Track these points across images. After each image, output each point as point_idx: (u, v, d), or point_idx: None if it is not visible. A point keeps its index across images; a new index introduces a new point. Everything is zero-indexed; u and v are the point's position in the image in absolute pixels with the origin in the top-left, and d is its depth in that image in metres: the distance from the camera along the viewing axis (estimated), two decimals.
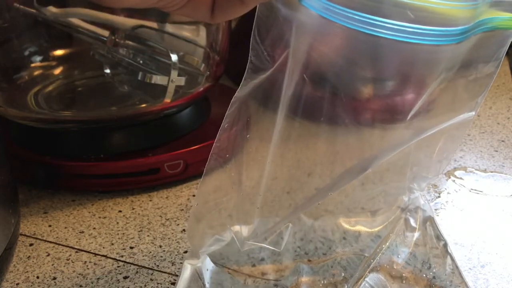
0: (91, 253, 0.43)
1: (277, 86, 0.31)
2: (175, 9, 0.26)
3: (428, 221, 0.38)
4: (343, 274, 0.34)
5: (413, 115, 0.31)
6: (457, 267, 0.36)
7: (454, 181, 0.51)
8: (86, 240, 0.44)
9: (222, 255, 0.34)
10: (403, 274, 0.35)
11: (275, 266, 0.35)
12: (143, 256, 0.42)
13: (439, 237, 0.37)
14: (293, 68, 0.30)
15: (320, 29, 0.28)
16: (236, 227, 0.34)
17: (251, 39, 0.30)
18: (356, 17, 0.27)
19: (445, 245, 0.37)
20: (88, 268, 0.41)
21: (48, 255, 0.43)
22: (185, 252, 0.43)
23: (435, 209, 0.47)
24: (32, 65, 0.56)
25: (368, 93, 0.31)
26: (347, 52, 0.30)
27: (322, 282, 0.33)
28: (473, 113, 0.33)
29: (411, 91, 0.31)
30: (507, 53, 0.74)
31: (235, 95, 0.31)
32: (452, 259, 0.36)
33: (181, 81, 0.51)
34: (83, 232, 0.46)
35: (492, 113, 0.64)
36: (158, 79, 0.50)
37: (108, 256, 0.43)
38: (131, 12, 0.53)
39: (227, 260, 0.34)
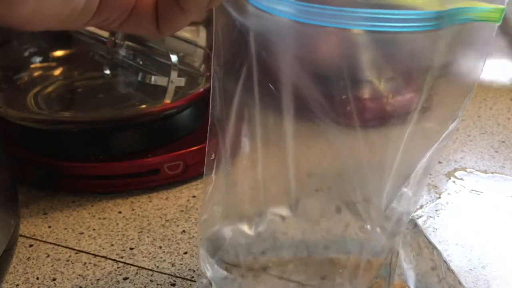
0: (91, 254, 0.43)
1: (250, 93, 0.30)
2: (114, 26, 0.24)
3: (420, 237, 0.37)
4: None
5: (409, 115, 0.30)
6: (454, 275, 0.35)
7: (454, 182, 0.51)
8: (86, 241, 0.44)
9: (221, 248, 0.34)
10: None
11: (277, 259, 0.35)
12: (143, 257, 0.42)
13: (433, 249, 0.37)
14: (259, 75, 0.29)
15: (278, 30, 0.27)
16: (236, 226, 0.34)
17: (212, 53, 0.29)
18: (317, 10, 0.25)
19: (441, 256, 0.36)
20: (87, 269, 0.41)
21: (48, 256, 0.43)
22: (185, 253, 0.43)
23: (436, 210, 0.47)
24: (32, 66, 0.56)
25: (354, 94, 0.30)
26: (317, 53, 0.28)
27: None
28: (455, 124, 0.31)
29: (401, 90, 0.30)
30: None
31: (210, 120, 0.31)
32: (452, 271, 0.36)
33: (181, 82, 0.51)
34: (83, 233, 0.45)
35: (492, 114, 0.64)
36: (158, 80, 0.50)
37: (108, 257, 0.42)
38: None
39: (226, 253, 0.34)
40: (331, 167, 0.33)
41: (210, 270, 0.34)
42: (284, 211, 0.35)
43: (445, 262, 0.36)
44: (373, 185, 0.33)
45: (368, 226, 0.34)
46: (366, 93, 0.29)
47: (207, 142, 0.32)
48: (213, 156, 0.32)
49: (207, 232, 0.35)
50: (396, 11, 0.25)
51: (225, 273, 0.34)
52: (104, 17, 0.23)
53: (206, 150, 0.32)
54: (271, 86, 0.29)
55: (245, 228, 0.35)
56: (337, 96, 0.28)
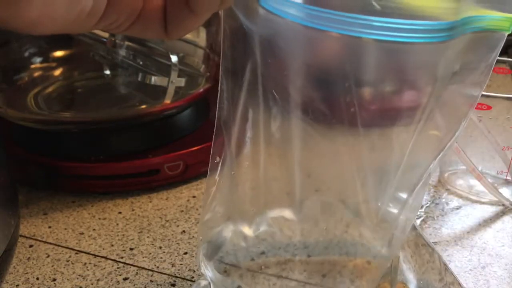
0: (91, 254, 0.43)
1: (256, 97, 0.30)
2: (121, 30, 0.23)
3: (419, 238, 0.37)
4: None
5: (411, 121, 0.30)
6: (454, 276, 0.35)
7: (454, 182, 0.51)
8: (86, 241, 0.44)
9: (221, 249, 0.34)
10: None
11: (275, 259, 0.35)
12: (143, 257, 0.42)
13: (432, 250, 0.37)
14: (263, 78, 0.28)
15: (287, 34, 0.26)
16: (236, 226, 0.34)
17: (221, 56, 0.29)
18: (330, 16, 0.24)
19: (439, 257, 0.36)
20: (88, 270, 0.41)
21: (48, 256, 0.43)
22: (185, 253, 0.43)
23: (436, 210, 0.47)
24: (32, 66, 0.56)
25: (361, 98, 0.30)
26: (325, 59, 0.28)
27: None
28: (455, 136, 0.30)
29: (406, 97, 0.29)
30: (507, 53, 0.74)
31: (217, 123, 0.30)
32: (451, 272, 0.36)
33: (181, 82, 0.51)
34: (83, 233, 0.45)
35: (493, 115, 0.64)
36: (158, 80, 0.50)
37: (108, 257, 0.42)
38: None
39: (226, 254, 0.34)
40: (332, 168, 0.33)
41: (209, 271, 0.34)
42: (284, 211, 0.35)
43: (444, 263, 0.36)
44: (373, 189, 0.33)
45: (369, 228, 0.34)
46: (370, 98, 0.29)
47: (212, 144, 0.32)
48: (217, 159, 0.32)
49: (208, 233, 0.35)
50: (408, 21, 0.24)
51: (224, 273, 0.34)
52: (111, 20, 0.23)
53: (211, 153, 0.32)
54: (274, 91, 0.29)
55: (245, 228, 0.35)
56: (341, 100, 0.28)
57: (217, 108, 0.31)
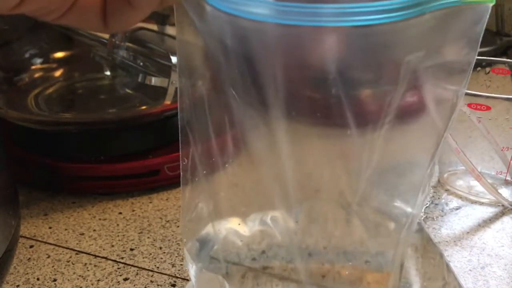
0: (91, 255, 0.43)
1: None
2: (54, 18, 0.22)
3: (425, 237, 0.37)
4: None
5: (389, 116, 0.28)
6: (454, 276, 0.35)
7: (454, 182, 0.51)
8: (86, 242, 0.44)
9: (212, 249, 0.34)
10: None
11: (277, 259, 0.35)
12: (143, 258, 0.42)
13: (435, 247, 0.36)
14: (222, 77, 0.27)
15: (240, 32, 0.24)
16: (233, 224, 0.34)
17: (177, 53, 0.28)
18: (274, 7, 0.22)
19: (441, 255, 0.36)
20: (88, 270, 0.41)
21: (49, 257, 0.43)
22: None
23: (435, 211, 0.47)
24: (33, 67, 0.56)
25: (321, 93, 0.28)
26: (282, 55, 0.25)
27: None
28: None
29: (381, 85, 0.27)
30: (507, 54, 0.74)
31: (180, 124, 0.29)
32: (452, 272, 0.36)
33: None
34: (83, 234, 0.46)
35: (492, 116, 0.64)
36: (158, 81, 0.50)
37: (108, 258, 0.43)
38: None
39: (228, 253, 0.34)
40: (327, 169, 0.33)
41: (194, 271, 0.34)
42: (282, 213, 0.35)
43: (447, 264, 0.36)
44: (368, 188, 0.32)
45: (369, 230, 0.34)
46: (329, 93, 0.26)
47: (180, 146, 0.31)
48: (185, 161, 0.31)
49: (193, 233, 0.34)
50: (370, 3, 0.23)
51: (226, 275, 0.34)
52: (40, 4, 0.21)
53: (180, 155, 0.31)
54: (232, 89, 0.27)
55: (240, 229, 0.35)
56: (310, 96, 0.27)
57: (178, 109, 0.29)
